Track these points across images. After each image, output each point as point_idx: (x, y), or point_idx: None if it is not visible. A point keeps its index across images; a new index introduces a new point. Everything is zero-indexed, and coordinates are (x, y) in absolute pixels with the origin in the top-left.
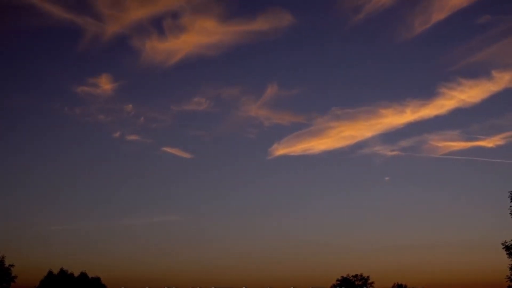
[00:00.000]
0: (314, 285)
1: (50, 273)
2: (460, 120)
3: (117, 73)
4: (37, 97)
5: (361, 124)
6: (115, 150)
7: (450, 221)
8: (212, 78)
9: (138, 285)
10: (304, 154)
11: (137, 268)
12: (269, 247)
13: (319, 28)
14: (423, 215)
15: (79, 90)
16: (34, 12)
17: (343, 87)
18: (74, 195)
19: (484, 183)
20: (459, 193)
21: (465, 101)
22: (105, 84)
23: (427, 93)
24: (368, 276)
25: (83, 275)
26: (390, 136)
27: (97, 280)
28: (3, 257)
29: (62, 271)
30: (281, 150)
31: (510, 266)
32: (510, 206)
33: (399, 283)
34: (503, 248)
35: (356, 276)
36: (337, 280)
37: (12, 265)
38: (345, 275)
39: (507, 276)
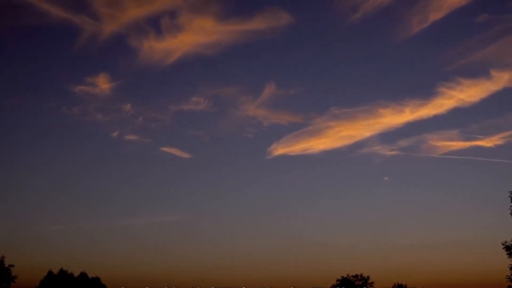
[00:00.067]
0: (314, 285)
1: (50, 273)
2: (459, 119)
3: (114, 72)
4: (34, 97)
5: (360, 124)
6: (114, 150)
7: (449, 221)
8: (210, 78)
9: (138, 285)
10: (303, 154)
11: (137, 268)
12: (269, 247)
13: (317, 28)
14: (422, 215)
15: (77, 90)
16: (31, 12)
17: (342, 86)
18: (73, 195)
19: (483, 182)
20: (458, 193)
21: (464, 100)
22: (103, 84)
23: (426, 93)
24: (368, 276)
25: (83, 275)
26: (389, 136)
27: (97, 280)
28: (3, 257)
29: (62, 271)
30: (280, 150)
31: (510, 266)
32: (510, 206)
33: (399, 283)
34: (503, 248)
35: (356, 276)
36: (337, 280)
37: (12, 265)
38: (345, 275)
39: (507, 276)
